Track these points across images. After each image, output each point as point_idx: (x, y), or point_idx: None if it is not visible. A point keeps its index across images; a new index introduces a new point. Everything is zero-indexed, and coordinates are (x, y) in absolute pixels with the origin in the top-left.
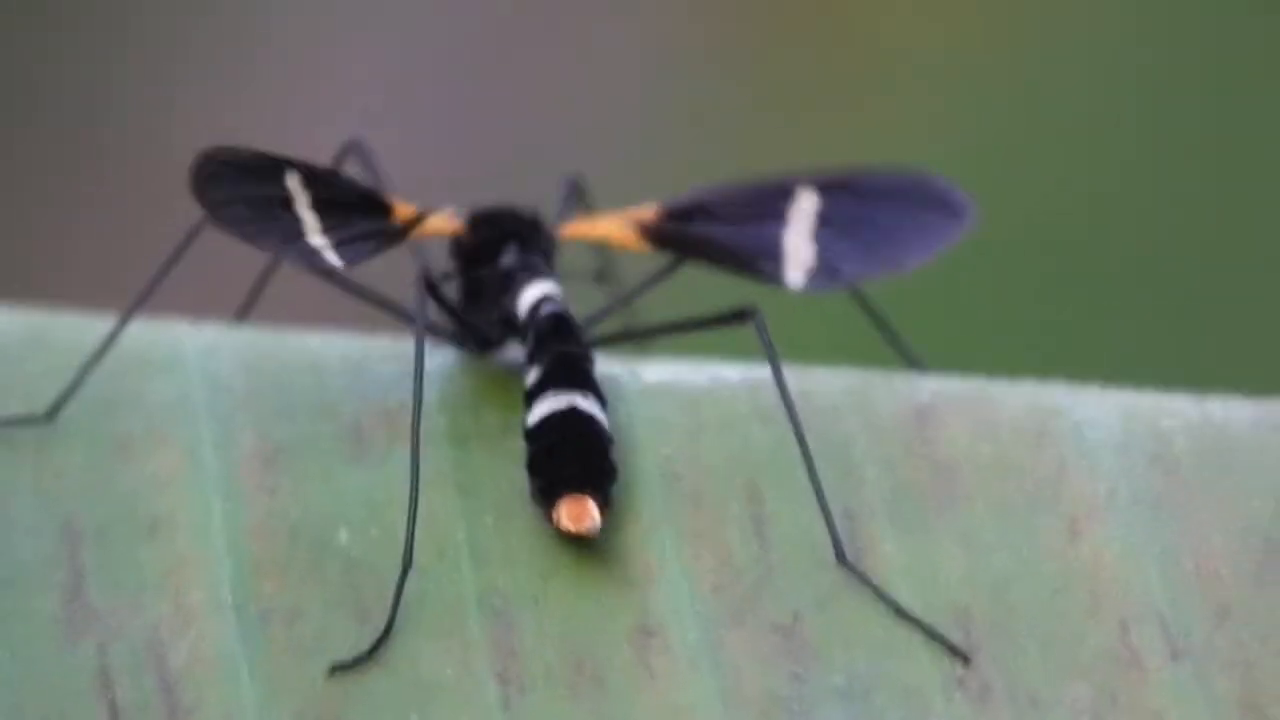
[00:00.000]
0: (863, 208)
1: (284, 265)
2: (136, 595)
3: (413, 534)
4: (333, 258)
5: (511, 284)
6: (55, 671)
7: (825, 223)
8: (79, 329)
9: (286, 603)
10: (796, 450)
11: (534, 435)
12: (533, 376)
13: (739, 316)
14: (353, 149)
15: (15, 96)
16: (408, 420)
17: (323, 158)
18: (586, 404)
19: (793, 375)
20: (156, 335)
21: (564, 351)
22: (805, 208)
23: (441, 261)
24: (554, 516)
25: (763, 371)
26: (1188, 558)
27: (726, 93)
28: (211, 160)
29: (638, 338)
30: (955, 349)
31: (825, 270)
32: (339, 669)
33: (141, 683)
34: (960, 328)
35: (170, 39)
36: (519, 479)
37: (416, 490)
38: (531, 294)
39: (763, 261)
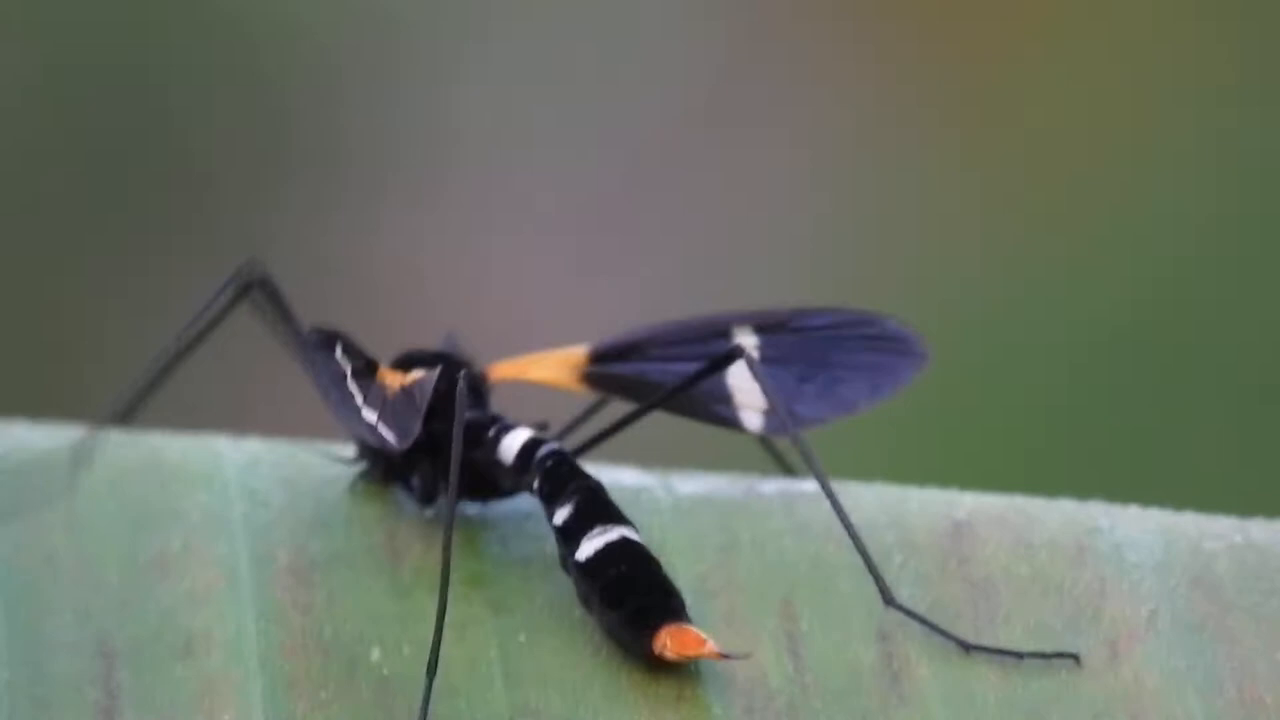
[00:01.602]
0: (806, 348)
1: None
2: (170, 716)
3: (439, 640)
4: (386, 433)
5: (479, 435)
6: None
7: (768, 363)
8: (122, 446)
9: None
10: (832, 564)
11: (593, 569)
12: (564, 514)
13: (729, 358)
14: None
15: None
16: (440, 536)
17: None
18: (633, 535)
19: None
20: (196, 449)
21: (589, 485)
22: (744, 348)
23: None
24: (653, 647)
25: (799, 485)
26: (1230, 683)
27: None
28: (313, 348)
29: (632, 421)
30: (990, 469)
31: (778, 413)
32: None
33: None
34: (996, 446)
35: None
36: (552, 596)
37: (445, 596)
38: (517, 439)
39: (712, 404)
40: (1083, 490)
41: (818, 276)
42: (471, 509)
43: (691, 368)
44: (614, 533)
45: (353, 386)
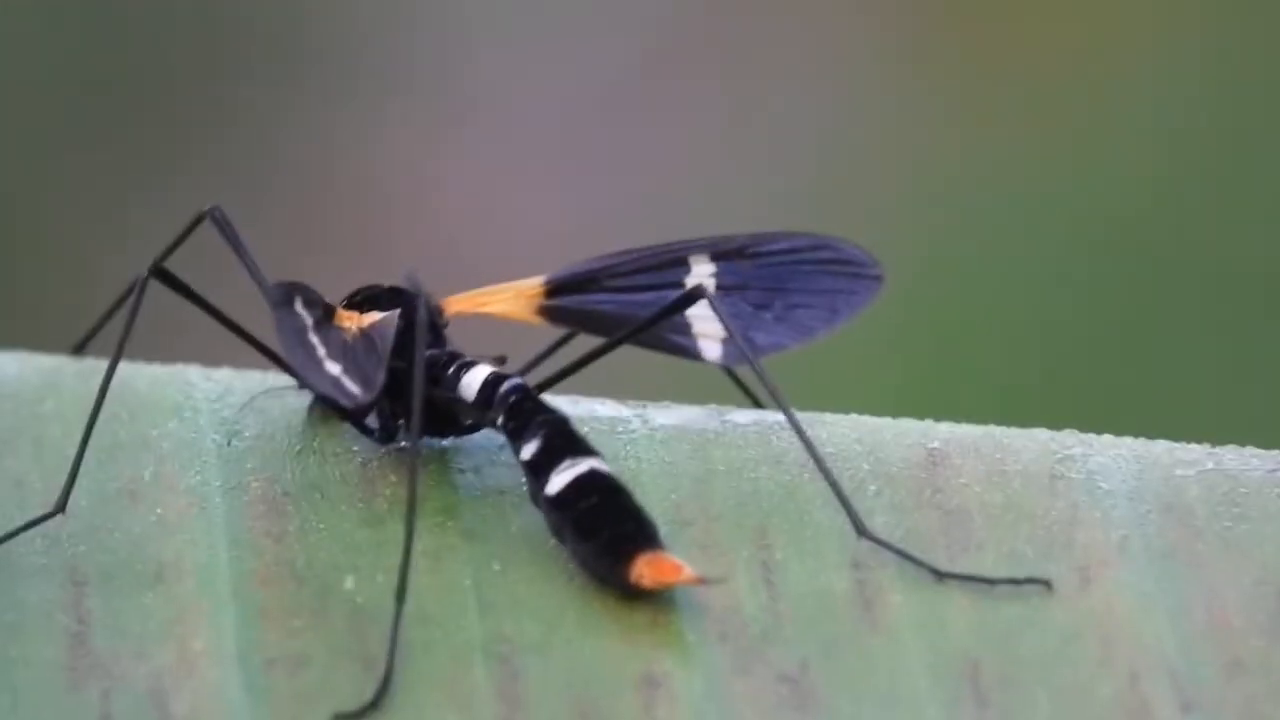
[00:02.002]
0: (763, 275)
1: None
2: (140, 643)
3: (407, 566)
4: (350, 386)
5: (439, 372)
6: (58, 718)
7: (725, 291)
8: (91, 374)
9: (291, 651)
10: (805, 494)
11: (564, 502)
12: (531, 449)
13: (690, 298)
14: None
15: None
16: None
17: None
18: (602, 466)
19: (802, 420)
20: (167, 379)
21: (554, 419)
22: (701, 276)
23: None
24: (630, 575)
25: (775, 416)
26: (1200, 609)
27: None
28: (275, 306)
29: (594, 359)
30: (966, 399)
31: (740, 346)
32: (346, 717)
33: None
34: (968, 379)
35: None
36: (525, 526)
37: (412, 524)
38: (477, 376)
39: (670, 335)
40: (1056, 421)
41: (789, 201)
42: (437, 445)
43: (650, 297)
44: (583, 465)
45: (314, 339)
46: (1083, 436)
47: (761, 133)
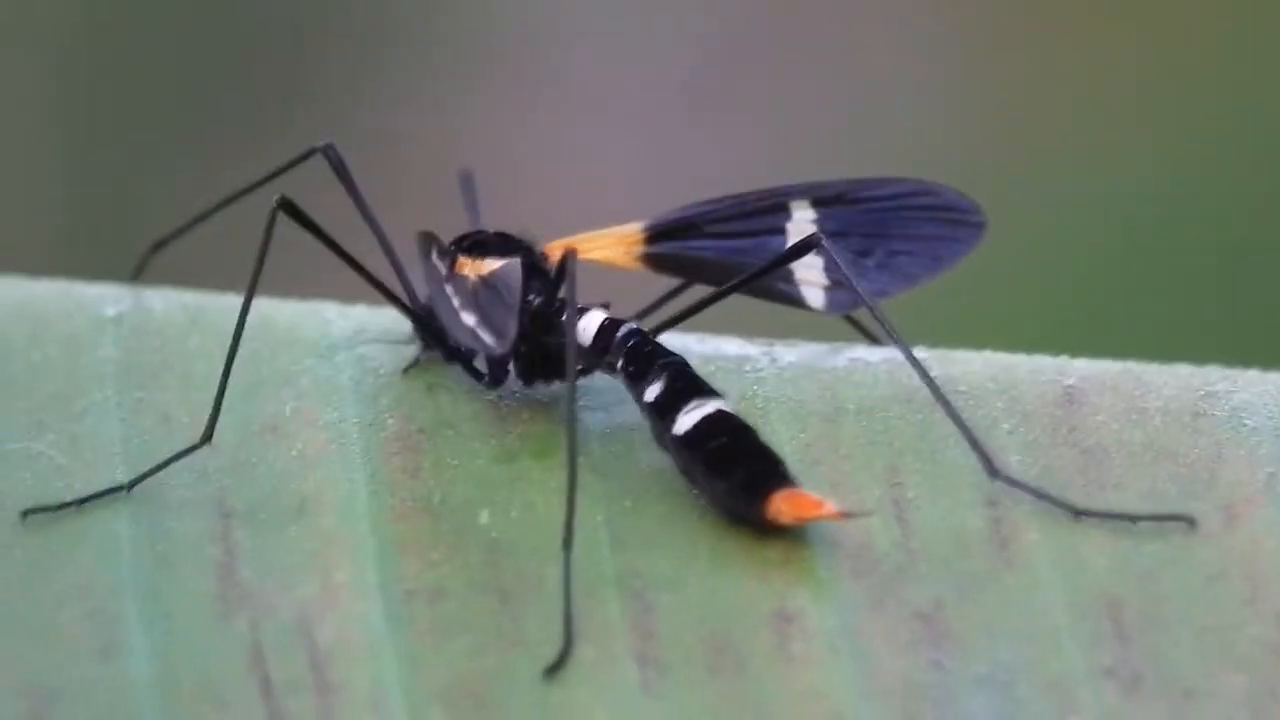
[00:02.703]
0: (864, 221)
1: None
2: (286, 574)
3: (572, 514)
4: (487, 337)
5: (543, 319)
6: (210, 647)
7: (827, 237)
8: (233, 310)
9: (429, 583)
10: (938, 433)
11: (694, 442)
12: (655, 390)
13: (806, 246)
14: (464, 182)
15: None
16: (545, 404)
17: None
18: (728, 406)
19: (933, 359)
20: (305, 315)
21: (674, 361)
22: (802, 222)
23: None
24: (767, 512)
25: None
26: None
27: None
28: (424, 258)
29: (704, 307)
30: (1107, 335)
31: (838, 287)
32: (549, 671)
33: (292, 660)
34: (1116, 314)
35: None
36: (655, 463)
37: (574, 473)
38: (593, 321)
39: (773, 282)
40: (1196, 358)
41: (886, 145)
42: (546, 390)
43: (750, 244)
44: (709, 405)
45: (449, 289)
46: (1226, 372)
47: (841, 119)
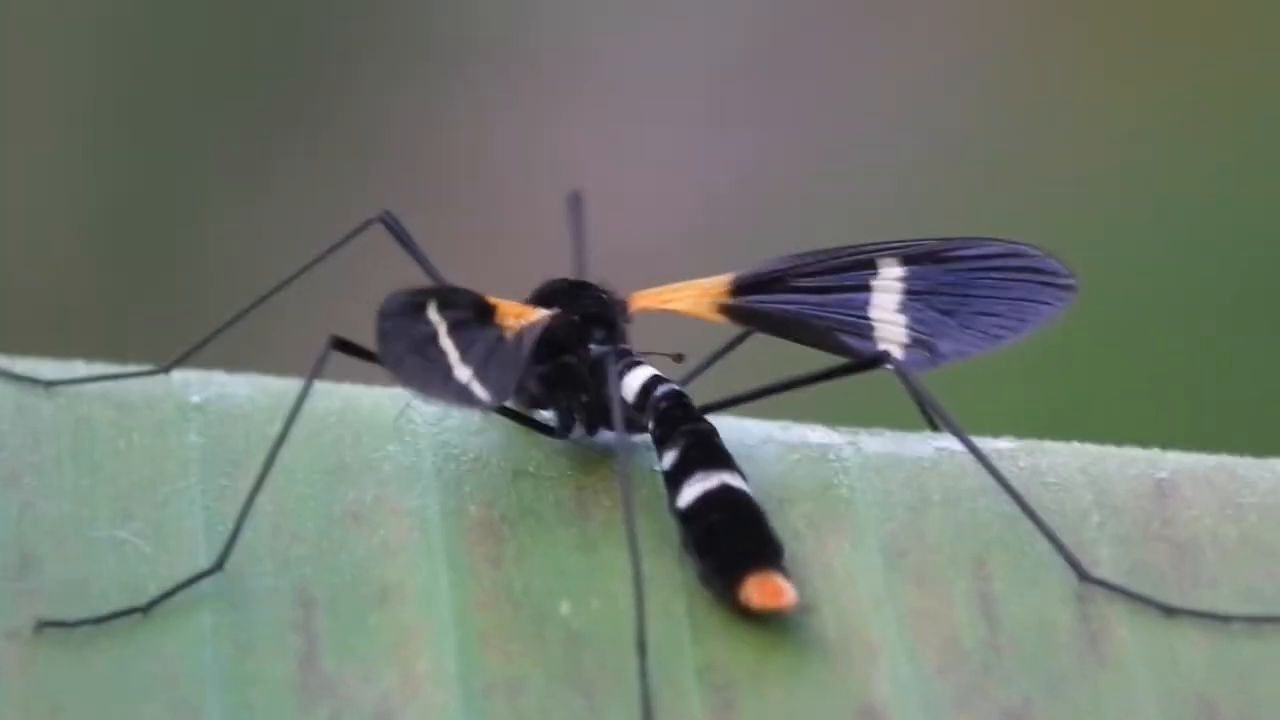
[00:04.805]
0: (952, 280)
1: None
2: (366, 664)
3: (643, 613)
4: (480, 392)
5: (602, 370)
6: None
7: (913, 296)
8: (319, 396)
9: (509, 675)
10: (1026, 525)
11: (691, 516)
12: (670, 459)
13: (874, 361)
14: (571, 204)
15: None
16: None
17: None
18: (736, 481)
19: (1020, 450)
20: (388, 400)
21: (697, 430)
22: (890, 280)
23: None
24: (740, 596)
25: (992, 444)
26: None
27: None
28: (383, 318)
29: (753, 398)
30: (1197, 428)
31: (921, 347)
32: None
33: None
34: (1206, 406)
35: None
36: None
37: (640, 571)
38: (638, 378)
39: (850, 338)
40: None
41: (933, 172)
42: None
43: (835, 299)
44: (714, 479)
45: (448, 343)
46: None
47: (888, 109)
